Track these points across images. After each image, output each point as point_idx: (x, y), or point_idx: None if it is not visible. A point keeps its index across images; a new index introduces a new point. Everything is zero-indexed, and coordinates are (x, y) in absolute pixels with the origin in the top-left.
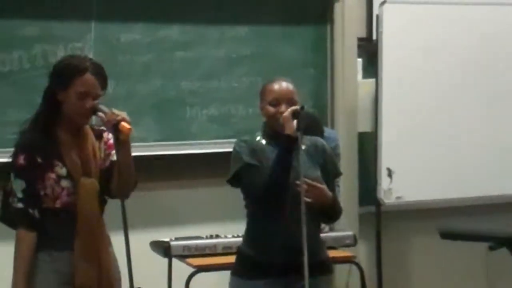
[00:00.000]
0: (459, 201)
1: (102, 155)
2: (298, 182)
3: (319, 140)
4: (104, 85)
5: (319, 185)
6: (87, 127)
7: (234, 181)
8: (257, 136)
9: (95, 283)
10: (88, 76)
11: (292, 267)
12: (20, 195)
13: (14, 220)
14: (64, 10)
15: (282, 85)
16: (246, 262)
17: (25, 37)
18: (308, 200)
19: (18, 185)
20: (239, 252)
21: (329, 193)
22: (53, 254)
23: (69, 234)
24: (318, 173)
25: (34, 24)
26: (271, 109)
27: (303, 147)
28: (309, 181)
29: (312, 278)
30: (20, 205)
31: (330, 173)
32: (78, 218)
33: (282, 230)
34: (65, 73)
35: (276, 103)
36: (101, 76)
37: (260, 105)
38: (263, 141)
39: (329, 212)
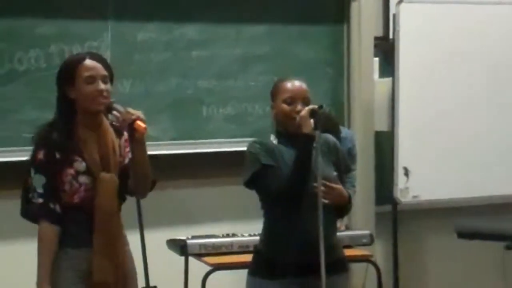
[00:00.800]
0: (476, 200)
1: (122, 152)
2: (315, 184)
3: (330, 137)
4: (106, 66)
5: (336, 185)
6: (107, 123)
7: (251, 183)
8: (271, 136)
9: (113, 279)
10: (89, 61)
11: (309, 267)
12: (40, 190)
13: (35, 215)
14: (80, 9)
15: (296, 84)
16: (263, 262)
17: (42, 36)
18: (325, 201)
19: (38, 180)
20: (255, 251)
21: (346, 193)
22: (69, 251)
23: (86, 231)
24: (333, 172)
25: (51, 23)
26: (286, 107)
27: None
28: (327, 183)
29: (328, 277)
30: (40, 200)
31: (342, 170)
32: (96, 213)
33: (299, 230)
34: (67, 69)
35: (291, 101)
36: (101, 59)
37: (272, 104)
38: (276, 141)
39: (342, 208)
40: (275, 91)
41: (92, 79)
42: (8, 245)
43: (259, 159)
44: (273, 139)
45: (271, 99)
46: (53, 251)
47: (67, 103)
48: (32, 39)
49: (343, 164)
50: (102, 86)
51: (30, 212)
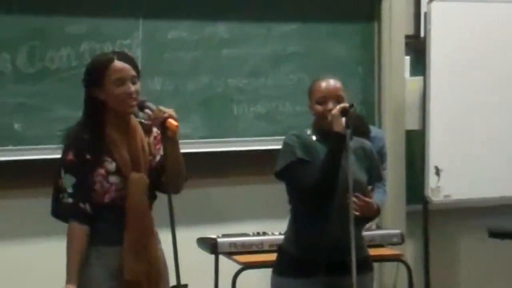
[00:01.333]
0: (508, 200)
1: (152, 149)
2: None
3: (367, 143)
4: (134, 65)
5: (368, 200)
6: (136, 122)
7: (282, 174)
8: (307, 130)
9: (144, 277)
10: (117, 63)
11: (335, 266)
12: (70, 190)
13: (65, 214)
14: (112, 8)
15: (329, 83)
16: (289, 261)
17: (73, 35)
18: (356, 213)
19: (68, 181)
20: (280, 250)
21: (376, 207)
22: (100, 249)
23: (117, 229)
24: (365, 177)
25: (82, 22)
26: (319, 107)
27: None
28: (360, 196)
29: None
30: (70, 200)
31: (374, 177)
32: (127, 213)
33: (327, 228)
34: (95, 71)
35: (323, 101)
36: (129, 60)
37: (309, 104)
38: (313, 137)
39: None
40: (310, 92)
41: (121, 81)
42: (39, 243)
43: (295, 152)
44: (311, 135)
45: (308, 99)
46: (82, 251)
47: (96, 104)
48: (63, 38)
49: (376, 172)
50: (132, 88)
51: (60, 212)
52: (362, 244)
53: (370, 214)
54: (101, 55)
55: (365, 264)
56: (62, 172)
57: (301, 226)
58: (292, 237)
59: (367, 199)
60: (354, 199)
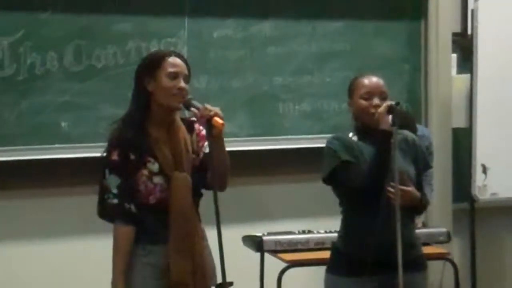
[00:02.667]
0: None
1: (195, 147)
2: (389, 186)
3: (409, 134)
4: (188, 67)
5: (407, 188)
6: (179, 120)
7: (329, 180)
8: (349, 133)
9: (190, 277)
10: (174, 58)
11: (386, 264)
12: (115, 190)
13: (110, 215)
14: (158, 6)
15: (373, 79)
16: (341, 259)
17: (120, 33)
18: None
19: (113, 181)
20: (333, 248)
21: (417, 195)
22: (147, 247)
23: (163, 228)
24: (412, 169)
25: (129, 20)
26: (364, 102)
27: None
28: (399, 186)
29: (406, 275)
30: (115, 200)
31: (421, 167)
32: (171, 213)
33: (377, 227)
34: (152, 61)
35: (368, 96)
36: (184, 60)
37: (349, 101)
38: (355, 138)
39: (415, 208)
40: (352, 88)
41: (175, 75)
42: (85, 241)
43: (339, 156)
44: (352, 136)
45: (348, 96)
46: (128, 251)
47: (144, 96)
48: (110, 36)
49: (422, 160)
50: (183, 84)
51: (105, 213)
52: (414, 242)
53: (412, 202)
54: (159, 50)
55: (418, 263)
56: (107, 172)
57: (351, 225)
58: (343, 236)
59: (404, 187)
60: (390, 189)
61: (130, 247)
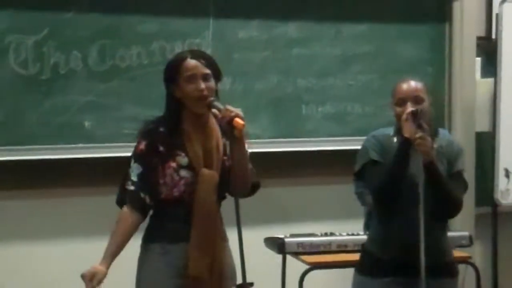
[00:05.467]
0: None
1: (227, 150)
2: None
3: (450, 136)
4: (209, 63)
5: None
6: (214, 122)
7: (359, 176)
8: (390, 131)
9: (208, 274)
10: (189, 61)
11: (414, 267)
12: (134, 178)
13: (124, 200)
14: (182, 7)
15: (410, 84)
16: (369, 260)
17: (144, 33)
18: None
19: (134, 169)
20: (362, 249)
21: (432, 155)
22: (166, 246)
23: (184, 226)
24: (442, 168)
25: (153, 21)
26: (398, 109)
27: (435, 146)
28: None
29: (435, 279)
30: (132, 187)
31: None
32: (195, 208)
33: (404, 229)
34: (171, 70)
35: (401, 102)
36: (202, 57)
37: (391, 104)
38: (395, 139)
39: (447, 204)
40: (393, 93)
41: (193, 79)
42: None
43: (369, 154)
44: (393, 135)
45: (391, 100)
46: (127, 234)
47: (173, 101)
48: (134, 36)
49: (458, 164)
50: (202, 85)
51: (121, 199)
52: (444, 247)
53: (424, 152)
54: (178, 53)
55: (448, 269)
56: (132, 160)
57: (379, 225)
58: (372, 237)
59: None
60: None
61: (129, 232)
